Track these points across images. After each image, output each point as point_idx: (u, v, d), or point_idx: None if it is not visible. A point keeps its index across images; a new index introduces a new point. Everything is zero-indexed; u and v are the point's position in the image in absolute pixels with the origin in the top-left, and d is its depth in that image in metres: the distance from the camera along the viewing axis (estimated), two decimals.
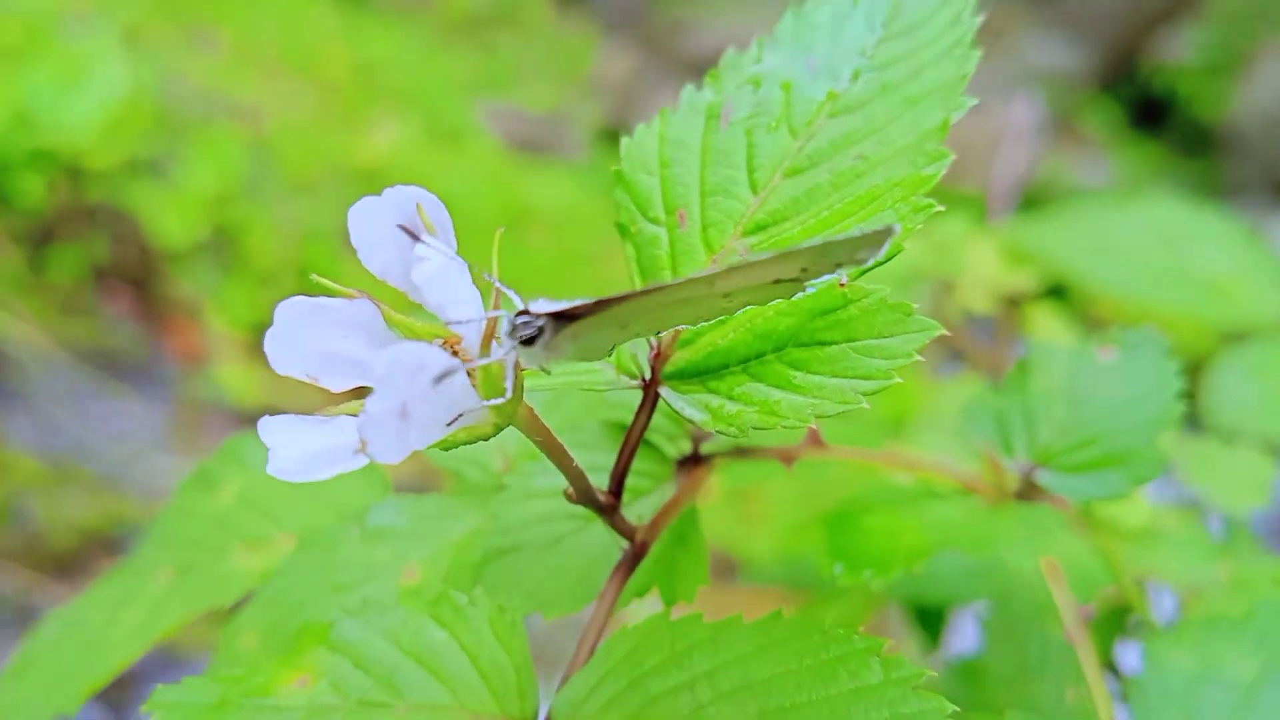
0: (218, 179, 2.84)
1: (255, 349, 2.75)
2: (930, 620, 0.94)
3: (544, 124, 4.34)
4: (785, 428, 0.36)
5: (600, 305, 0.33)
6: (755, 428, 0.37)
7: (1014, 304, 1.11)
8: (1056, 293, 1.19)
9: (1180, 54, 5.03)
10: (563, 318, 0.33)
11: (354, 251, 0.34)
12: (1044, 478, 0.53)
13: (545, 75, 4.64)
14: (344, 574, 0.49)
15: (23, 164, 2.66)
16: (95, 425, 2.47)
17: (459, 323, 0.31)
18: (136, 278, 2.79)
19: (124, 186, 2.72)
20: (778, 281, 0.35)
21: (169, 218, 2.72)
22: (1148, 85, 5.05)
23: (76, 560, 2.22)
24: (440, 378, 0.28)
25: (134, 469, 2.42)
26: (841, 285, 0.37)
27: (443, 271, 0.30)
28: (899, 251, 0.36)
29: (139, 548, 0.64)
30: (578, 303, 0.33)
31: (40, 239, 2.70)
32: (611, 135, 4.39)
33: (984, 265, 1.09)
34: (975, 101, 0.40)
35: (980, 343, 1.13)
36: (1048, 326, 1.05)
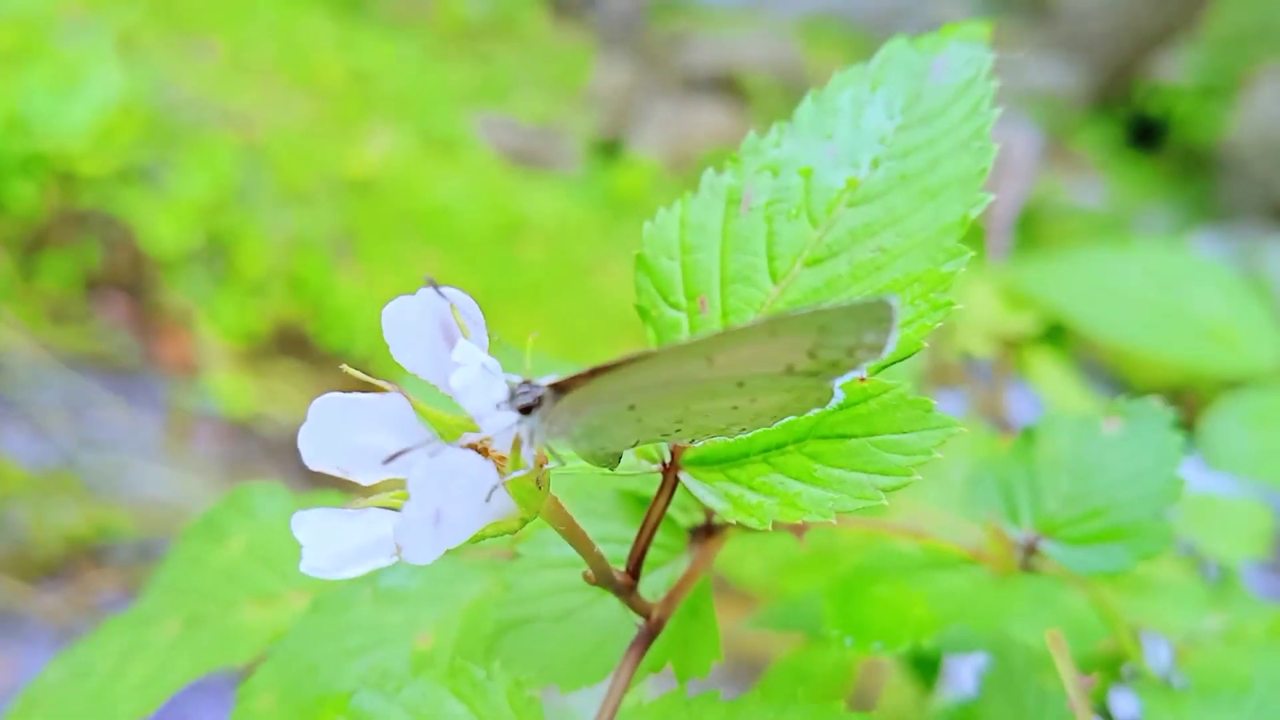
0: (210, 187, 2.84)
1: (246, 358, 2.75)
2: (925, 666, 0.95)
3: (539, 136, 4.35)
4: (807, 524, 0.36)
5: (594, 374, 0.34)
6: (776, 520, 0.37)
7: (1012, 346, 1.11)
8: (1054, 334, 1.20)
9: (1176, 75, 5.06)
10: (560, 388, 0.34)
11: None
12: (1049, 549, 0.53)
13: (541, 87, 4.65)
14: (357, 637, 0.50)
15: (15, 169, 2.65)
16: (85, 434, 2.46)
17: (494, 431, 0.31)
18: (128, 285, 2.79)
19: (116, 193, 2.71)
20: (792, 371, 0.35)
21: (161, 225, 2.71)
22: (1143, 106, 5.08)
23: (64, 570, 2.21)
24: (480, 488, 0.29)
25: (124, 478, 2.41)
26: (862, 380, 0.38)
27: (477, 380, 0.30)
28: (918, 350, 0.36)
29: (145, 594, 0.64)
30: (574, 374, 0.34)
31: (32, 245, 2.69)
32: (606, 148, 4.40)
33: (983, 308, 1.09)
34: (993, 197, 0.40)
35: (979, 385, 1.13)
36: (1047, 371, 1.05)
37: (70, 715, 0.59)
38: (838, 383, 0.36)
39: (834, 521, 0.35)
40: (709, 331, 0.35)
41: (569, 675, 0.43)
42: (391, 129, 3.71)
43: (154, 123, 2.93)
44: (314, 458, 0.33)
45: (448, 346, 0.34)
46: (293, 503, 0.62)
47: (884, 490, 0.36)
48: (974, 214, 0.40)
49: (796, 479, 0.38)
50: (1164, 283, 1.15)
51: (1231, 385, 1.11)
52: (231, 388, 2.67)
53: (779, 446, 0.39)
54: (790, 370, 0.35)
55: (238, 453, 2.61)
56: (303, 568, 0.31)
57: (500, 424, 0.31)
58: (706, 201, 0.44)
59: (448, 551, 0.54)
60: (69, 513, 2.28)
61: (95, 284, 2.73)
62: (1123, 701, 0.81)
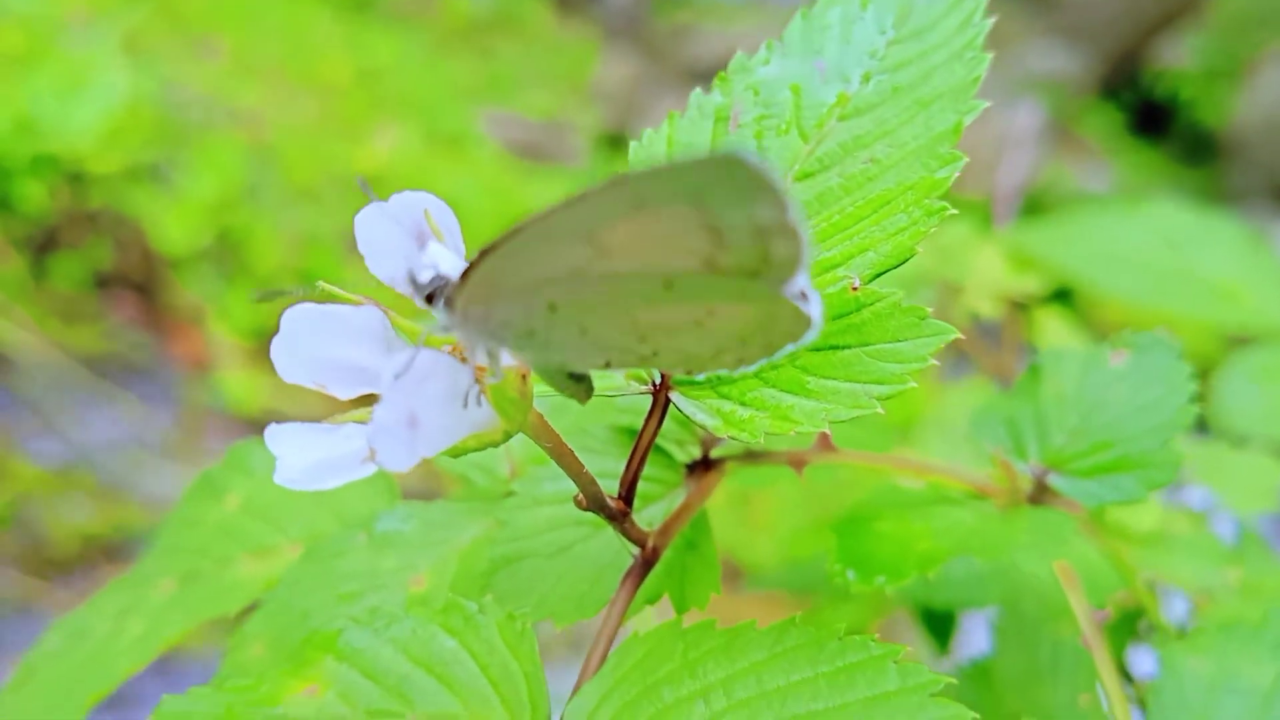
0: (219, 185, 2.85)
1: (258, 355, 2.75)
2: (940, 624, 0.94)
3: (544, 130, 4.34)
4: (798, 433, 0.35)
5: (483, 254, 0.32)
6: (768, 434, 0.36)
7: (1020, 308, 1.10)
8: (1061, 296, 1.19)
9: (1181, 60, 5.03)
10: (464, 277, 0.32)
11: (358, 258, 0.34)
12: (1057, 482, 0.52)
13: (546, 82, 4.65)
14: (350, 583, 0.49)
15: (25, 170, 2.66)
16: (98, 431, 2.46)
17: (474, 348, 0.30)
18: (139, 284, 2.79)
19: (126, 192, 2.72)
20: (716, 267, 0.31)
21: (171, 224, 2.72)
22: (1149, 91, 5.06)
23: (78, 566, 2.21)
24: (455, 391, 0.28)
25: (137, 475, 2.42)
26: (854, 289, 0.36)
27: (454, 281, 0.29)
28: (912, 255, 0.35)
29: (143, 557, 0.64)
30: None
31: (42, 245, 2.70)
32: (612, 142, 4.39)
33: (989, 269, 1.08)
34: (987, 104, 0.39)
35: (986, 346, 1.12)
36: (1054, 331, 1.04)
37: (68, 677, 0.58)
38: (809, 304, 0.33)
39: (827, 430, 0.34)
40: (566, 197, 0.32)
41: (564, 609, 0.42)
42: (398, 126, 3.71)
43: (162, 122, 2.94)
44: (288, 370, 0.32)
45: (420, 255, 0.33)
46: None
47: (879, 399, 0.35)
48: (967, 121, 0.39)
49: (789, 392, 0.37)
50: (1171, 242, 1.14)
51: (1237, 342, 1.10)
52: (242, 385, 2.67)
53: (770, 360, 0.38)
54: (714, 266, 0.31)
55: None
56: (276, 479, 0.30)
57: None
58: (694, 120, 0.43)
59: (445, 497, 0.54)
60: (83, 509, 2.29)
61: (106, 283, 2.74)
62: (1140, 660, 0.80)
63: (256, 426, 2.63)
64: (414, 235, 0.32)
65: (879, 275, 0.37)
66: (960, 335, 0.36)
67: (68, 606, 2.05)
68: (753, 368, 0.34)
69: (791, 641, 0.37)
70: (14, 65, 2.80)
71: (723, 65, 0.44)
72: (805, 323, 0.33)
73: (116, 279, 2.76)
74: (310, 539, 0.55)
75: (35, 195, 2.63)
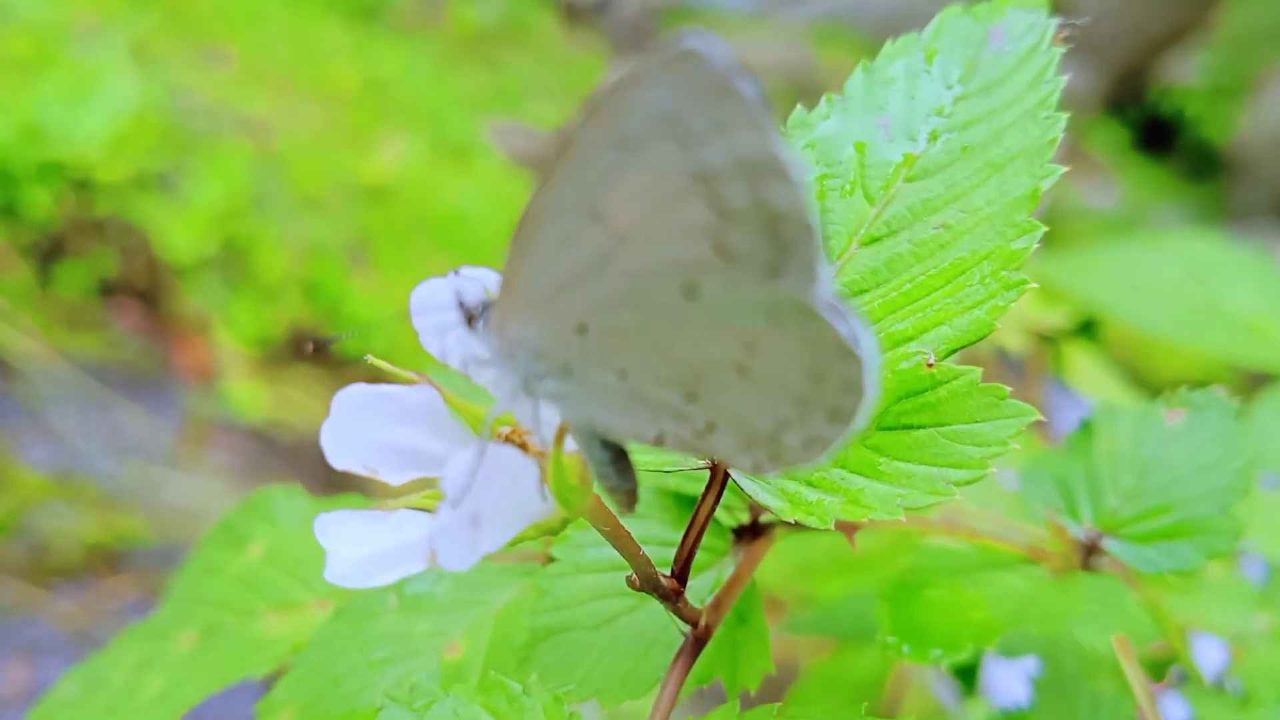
0: (226, 194, 2.84)
1: (263, 365, 2.74)
2: (964, 670, 0.92)
3: (551, 141, 4.33)
4: (871, 519, 0.34)
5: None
6: (839, 519, 0.34)
7: (1046, 341, 1.08)
8: (1086, 328, 1.17)
9: (1187, 76, 5.03)
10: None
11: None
12: (1112, 546, 0.50)
13: (553, 93, 4.64)
14: (382, 648, 0.47)
15: (31, 177, 2.65)
16: (101, 440, 2.45)
17: (526, 421, 0.29)
18: (145, 292, 2.78)
19: (132, 200, 2.71)
20: (727, 253, 0.29)
21: (177, 232, 2.71)
22: (1155, 107, 5.05)
23: (80, 575, 2.20)
24: (520, 486, 0.26)
25: (140, 484, 2.41)
26: (929, 365, 0.35)
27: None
28: (991, 332, 0.34)
29: (161, 604, 0.62)
30: None
31: (48, 252, 2.69)
32: None
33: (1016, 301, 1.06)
34: (1065, 169, 0.38)
35: (1011, 379, 1.11)
36: (1082, 366, 1.03)
37: None
38: (850, 325, 0.29)
39: (903, 520, 0.32)
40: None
41: (611, 687, 0.40)
42: (405, 136, 3.70)
43: (169, 130, 2.93)
44: (338, 455, 0.30)
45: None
46: (313, 506, 0.59)
47: (956, 484, 0.34)
48: (1045, 186, 0.37)
49: (860, 474, 0.35)
50: (1197, 275, 1.12)
51: (1261, 379, 1.08)
52: (248, 394, 2.66)
53: None
54: (724, 249, 0.29)
55: (254, 459, 2.60)
56: (327, 576, 0.28)
57: (541, 416, 0.29)
58: None
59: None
60: (86, 518, 2.28)
61: (111, 291, 2.73)
62: (1170, 707, 0.78)
63: (261, 435, 2.62)
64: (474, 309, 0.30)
65: (954, 351, 0.35)
66: (1042, 418, 0.34)
67: (69, 616, 2.03)
68: (824, 455, 0.31)
69: None
70: (22, 71, 2.79)
71: None
72: (854, 360, 0.30)
73: (122, 287, 2.75)
74: (338, 596, 0.54)
75: (42, 202, 2.62)
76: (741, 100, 0.27)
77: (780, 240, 0.28)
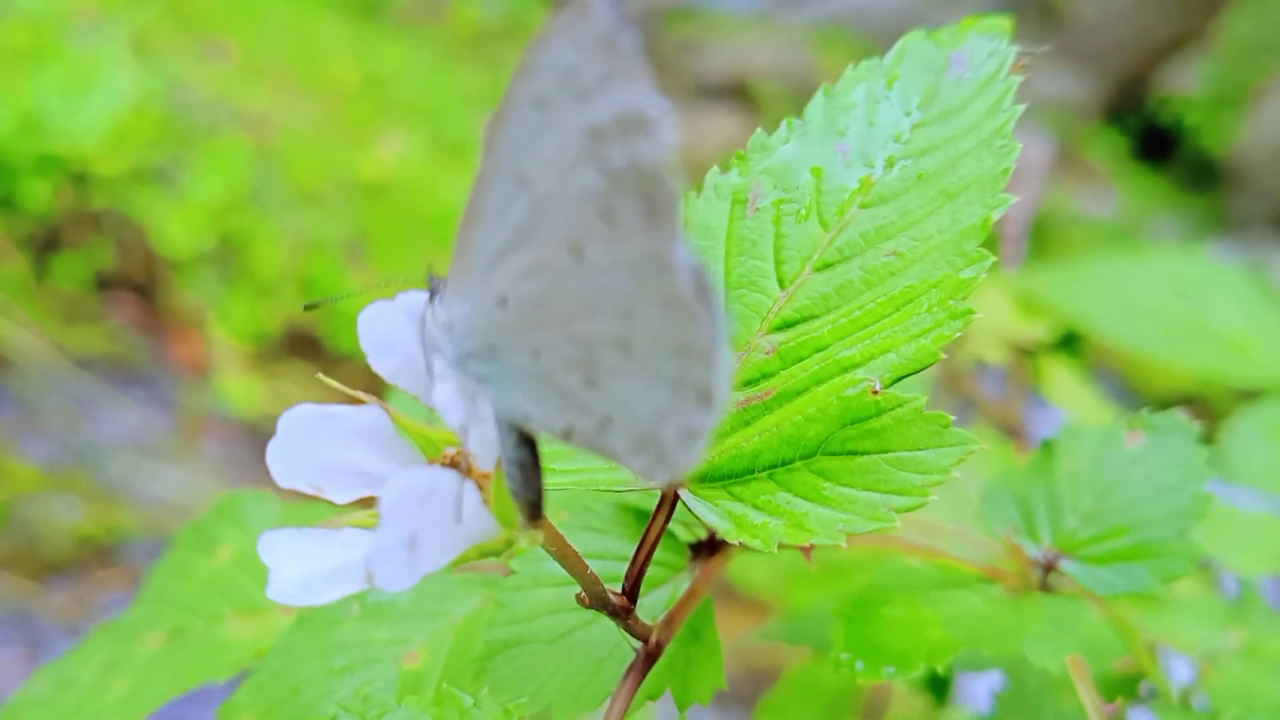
0: (223, 188, 2.84)
1: (257, 360, 2.74)
2: (936, 681, 0.93)
3: None
4: (814, 543, 0.34)
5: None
6: (781, 542, 0.35)
7: (1027, 354, 1.09)
8: (1068, 342, 1.18)
9: (1187, 86, 5.03)
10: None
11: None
12: (1069, 567, 0.51)
13: None
14: (343, 655, 0.47)
15: (29, 169, 2.66)
16: (95, 433, 2.45)
17: (480, 442, 0.29)
18: (141, 286, 2.79)
19: (129, 194, 2.71)
20: (612, 217, 0.29)
21: (174, 226, 2.71)
22: (1154, 116, 5.06)
23: (72, 568, 2.20)
24: (455, 509, 0.27)
25: (133, 478, 2.41)
26: (875, 392, 0.35)
27: (459, 395, 0.28)
28: (935, 360, 0.34)
29: (133, 604, 0.62)
30: None
31: (45, 245, 2.69)
32: None
33: (996, 314, 1.07)
34: (1016, 198, 0.38)
35: (991, 393, 1.11)
36: (1062, 381, 1.03)
37: None
38: (694, 283, 0.29)
39: (844, 545, 0.33)
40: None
41: (564, 702, 0.41)
42: (403, 132, 3.70)
43: (167, 124, 2.93)
44: (284, 475, 0.30)
45: (424, 356, 0.31)
46: (283, 511, 0.60)
47: (898, 510, 0.34)
48: (995, 216, 0.38)
49: (804, 498, 0.36)
50: (1182, 291, 1.13)
51: (1247, 395, 1.08)
52: (242, 389, 2.66)
53: (785, 463, 0.36)
54: (608, 170, 0.29)
55: (247, 454, 2.61)
56: (269, 594, 0.28)
57: (484, 438, 0.29)
58: (710, 201, 0.41)
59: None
60: (78, 512, 2.28)
61: (107, 284, 2.73)
62: None
63: (254, 431, 2.62)
64: (419, 334, 0.31)
65: (900, 379, 0.36)
66: (985, 447, 0.34)
67: (61, 609, 2.03)
68: (697, 452, 0.31)
69: None
70: (21, 63, 2.79)
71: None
72: (704, 324, 0.30)
73: (118, 280, 2.75)
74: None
75: (39, 194, 2.62)
76: (622, 53, 0.27)
77: (651, 202, 0.29)
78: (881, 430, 0.35)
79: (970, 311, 0.36)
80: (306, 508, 0.61)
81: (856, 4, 5.31)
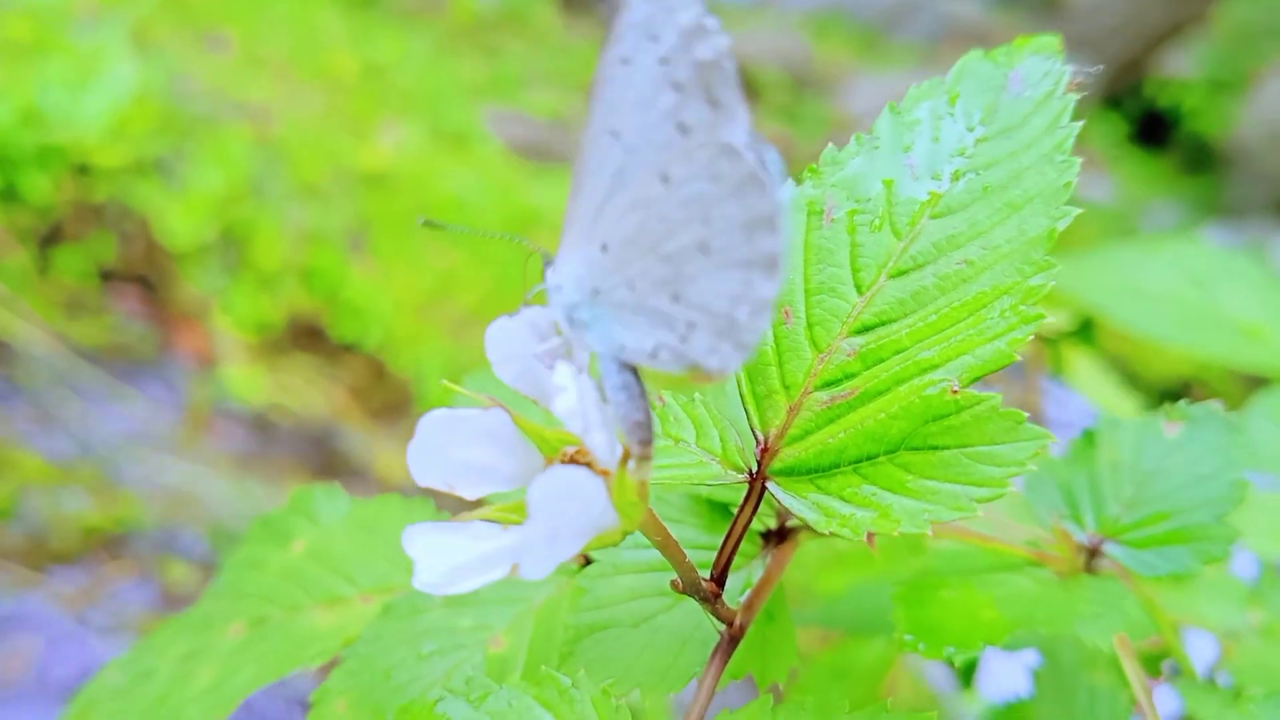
0: (225, 179, 2.84)
1: (262, 351, 2.75)
2: (967, 663, 0.96)
3: (549, 129, 4.35)
4: (901, 533, 0.37)
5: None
6: (871, 531, 0.37)
7: (1045, 342, 1.11)
8: (1084, 330, 1.20)
9: (1185, 70, 5.04)
10: None
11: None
12: (1113, 551, 0.54)
13: (551, 81, 4.65)
14: (430, 641, 0.50)
15: (31, 162, 2.66)
16: (100, 425, 2.46)
17: (600, 445, 0.32)
18: (144, 277, 2.79)
19: (132, 186, 2.72)
20: (682, 126, 0.35)
21: (176, 218, 2.72)
22: (1152, 101, 5.07)
23: (80, 559, 2.22)
24: (591, 504, 0.29)
25: (140, 469, 2.42)
26: (954, 391, 0.38)
27: (580, 402, 0.31)
28: (1011, 362, 0.37)
29: (203, 599, 0.65)
30: None
31: (47, 237, 2.70)
32: None
33: None
34: (1080, 210, 0.41)
35: (1010, 379, 1.14)
36: (1081, 367, 1.06)
37: (134, 718, 0.59)
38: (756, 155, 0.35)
39: (929, 533, 0.36)
40: None
41: (651, 681, 0.43)
42: (404, 123, 3.71)
43: (168, 115, 2.94)
44: (422, 473, 0.33)
45: (545, 365, 0.34)
46: (353, 506, 0.62)
47: (978, 501, 0.37)
48: (1060, 227, 0.40)
49: (889, 490, 0.38)
50: (1196, 280, 1.15)
51: (1252, 381, 1.11)
52: (246, 379, 2.68)
53: (870, 458, 0.39)
54: (680, 120, 0.35)
55: (253, 444, 2.62)
56: (415, 584, 0.31)
57: (603, 441, 0.32)
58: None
59: None
60: (84, 503, 2.29)
61: (110, 276, 2.74)
62: (1163, 701, 0.81)
63: (259, 421, 2.64)
64: (539, 346, 0.34)
65: (976, 379, 0.38)
66: (1055, 439, 0.37)
67: (69, 600, 2.05)
68: (766, 318, 0.36)
69: None
70: (22, 55, 2.79)
71: None
72: (764, 189, 0.35)
73: (121, 272, 2.76)
74: (381, 591, 0.57)
75: (41, 187, 2.62)
76: None
77: (714, 98, 0.35)
78: (961, 426, 0.38)
79: (1040, 316, 0.39)
80: (372, 502, 0.64)
81: None
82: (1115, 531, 0.54)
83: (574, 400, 0.31)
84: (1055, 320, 1.10)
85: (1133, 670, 0.51)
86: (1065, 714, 0.72)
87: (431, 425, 0.33)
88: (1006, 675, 0.90)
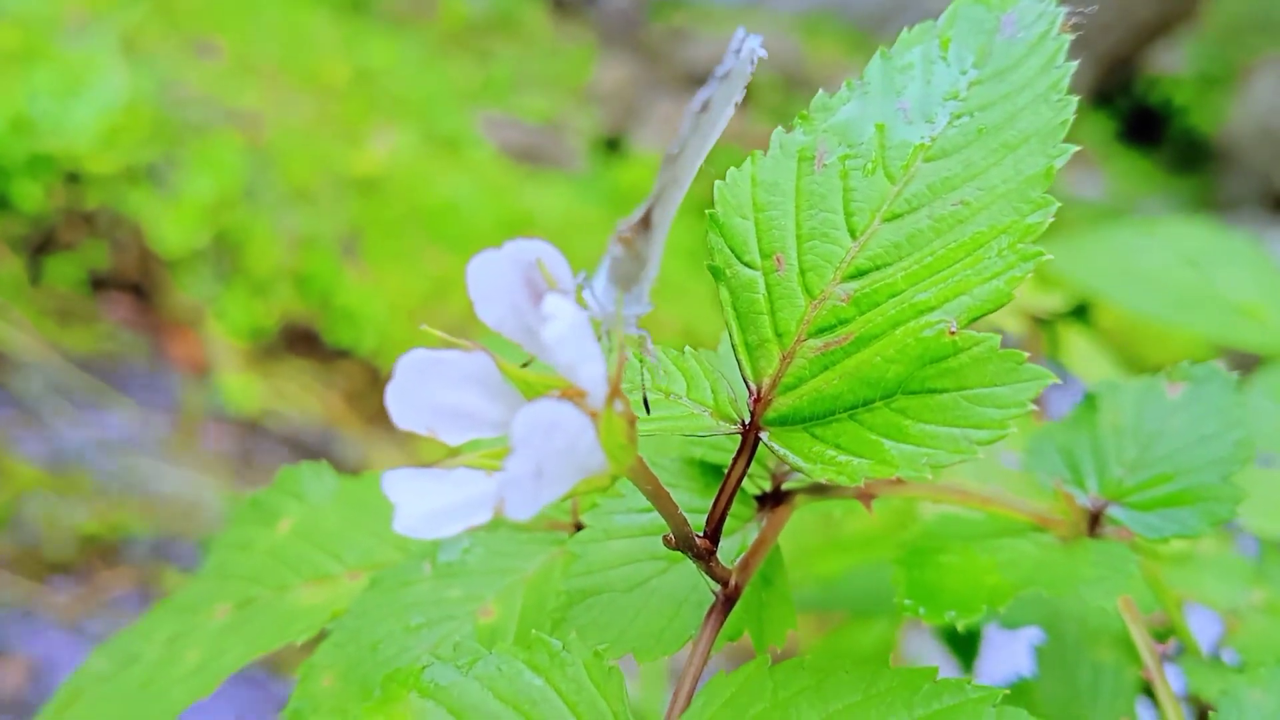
0: (217, 186, 2.84)
1: (255, 357, 2.74)
2: (964, 641, 0.95)
3: (541, 133, 4.34)
4: (900, 477, 0.36)
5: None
6: (868, 478, 0.36)
7: (1042, 324, 1.11)
8: (1080, 311, 1.19)
9: (1175, 66, 5.05)
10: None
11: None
12: (1117, 513, 0.53)
13: (543, 85, 4.65)
14: (418, 613, 0.49)
15: (22, 170, 2.65)
16: (95, 433, 2.45)
17: (588, 383, 0.30)
18: (136, 285, 2.79)
19: (123, 193, 2.71)
20: None
21: (168, 224, 2.71)
22: (1143, 97, 5.08)
23: (77, 568, 2.21)
24: (578, 441, 0.28)
25: (135, 476, 2.41)
26: (951, 333, 0.37)
27: (573, 330, 0.29)
28: (1009, 300, 0.36)
29: (191, 581, 0.64)
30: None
31: (39, 245, 2.69)
32: (609, 144, 4.39)
33: None
34: (1077, 148, 0.40)
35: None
36: (1081, 349, 1.05)
37: (118, 703, 0.58)
38: None
39: (929, 477, 0.35)
40: None
41: (645, 645, 0.42)
42: (395, 128, 3.71)
43: (160, 122, 2.93)
44: (402, 416, 0.32)
45: (531, 302, 0.33)
46: (341, 483, 0.61)
47: (978, 444, 0.36)
48: (1058, 165, 0.39)
49: (886, 436, 0.37)
50: (1190, 261, 1.15)
51: (1248, 364, 1.10)
52: (240, 385, 2.67)
53: (867, 403, 0.38)
54: None
55: (247, 450, 2.61)
56: (396, 527, 0.30)
57: (595, 374, 0.30)
58: (778, 159, 0.43)
59: (507, 525, 0.54)
60: (80, 511, 2.28)
61: (102, 284, 2.73)
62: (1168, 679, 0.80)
63: (254, 427, 2.63)
64: (525, 281, 0.32)
65: (975, 319, 0.37)
66: (1058, 380, 0.36)
67: (66, 609, 2.03)
68: None
69: (885, 684, 0.37)
70: (11, 64, 2.78)
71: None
72: None
73: (113, 280, 2.75)
74: (369, 567, 0.55)
75: (32, 195, 2.62)
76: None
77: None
78: (959, 369, 0.37)
79: (1040, 253, 0.38)
80: (361, 478, 0.62)
81: None
82: (1119, 494, 0.53)
83: (566, 328, 0.30)
84: (1051, 302, 1.09)
85: (1140, 635, 0.50)
86: (1069, 691, 0.71)
87: (411, 366, 0.32)
88: (1007, 658, 0.89)
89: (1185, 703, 0.69)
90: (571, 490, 0.32)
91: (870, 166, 0.42)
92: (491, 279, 0.32)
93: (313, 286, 2.88)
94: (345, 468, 0.62)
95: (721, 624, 0.41)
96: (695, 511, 0.45)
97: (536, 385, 0.34)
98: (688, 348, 0.43)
